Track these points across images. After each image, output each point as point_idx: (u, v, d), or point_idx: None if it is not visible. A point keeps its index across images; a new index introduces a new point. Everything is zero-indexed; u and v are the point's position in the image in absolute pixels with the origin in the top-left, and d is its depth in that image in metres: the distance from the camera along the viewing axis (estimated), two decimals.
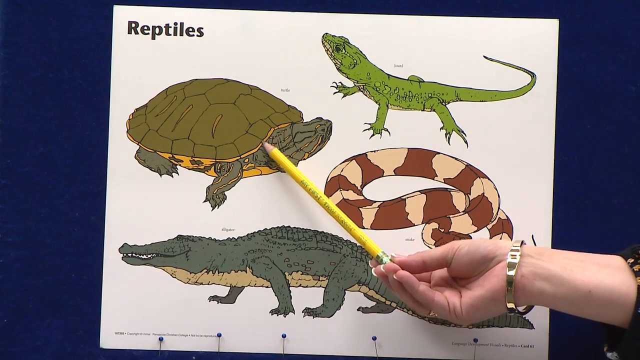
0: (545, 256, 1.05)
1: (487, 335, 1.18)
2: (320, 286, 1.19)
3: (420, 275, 1.11)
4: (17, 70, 1.19)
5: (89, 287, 1.19)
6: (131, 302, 1.19)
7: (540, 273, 1.04)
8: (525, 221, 1.19)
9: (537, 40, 1.19)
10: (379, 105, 1.20)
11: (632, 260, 1.04)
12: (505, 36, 1.19)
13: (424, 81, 1.20)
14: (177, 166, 1.20)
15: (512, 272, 1.04)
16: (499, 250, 1.07)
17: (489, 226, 1.19)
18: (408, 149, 1.20)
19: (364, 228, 1.19)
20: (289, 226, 1.19)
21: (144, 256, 1.19)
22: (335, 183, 1.20)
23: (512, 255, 1.05)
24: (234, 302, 1.19)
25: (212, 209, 1.19)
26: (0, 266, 1.18)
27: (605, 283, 1.02)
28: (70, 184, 1.19)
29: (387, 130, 1.20)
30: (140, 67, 1.20)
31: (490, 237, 1.19)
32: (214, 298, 1.19)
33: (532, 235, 1.18)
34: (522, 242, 1.07)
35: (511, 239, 1.19)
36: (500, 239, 1.19)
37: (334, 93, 1.20)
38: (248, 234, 1.20)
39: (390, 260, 1.11)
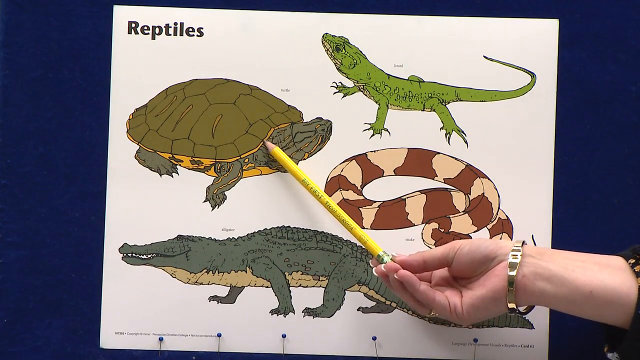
0: (546, 256, 1.06)
1: (487, 335, 1.18)
2: (320, 286, 1.19)
3: (421, 275, 1.11)
4: (17, 70, 1.19)
5: (89, 287, 1.19)
6: (131, 302, 1.19)
7: (541, 273, 1.04)
8: (525, 221, 1.19)
9: (537, 40, 1.19)
10: (379, 105, 1.20)
11: (633, 261, 1.04)
12: (505, 36, 1.19)
13: (424, 81, 1.20)
14: (177, 166, 1.20)
15: (513, 272, 1.04)
16: (500, 250, 1.07)
17: (489, 226, 1.19)
18: (408, 149, 1.20)
19: (364, 228, 1.19)
20: (289, 226, 1.19)
21: (144, 256, 1.19)
22: (335, 183, 1.20)
23: (513, 255, 1.05)
24: (234, 302, 1.19)
25: (212, 209, 1.19)
26: (0, 266, 1.18)
27: (607, 283, 1.02)
28: (70, 184, 1.19)
29: (387, 130, 1.20)
30: (140, 67, 1.20)
31: (490, 237, 1.19)
32: (214, 298, 1.19)
33: (532, 235, 1.18)
34: (523, 242, 1.07)
35: (511, 239, 1.19)
36: (500, 239, 1.19)
37: (334, 93, 1.20)
38: (248, 234, 1.20)
39: (391, 259, 1.11)
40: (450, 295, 1.09)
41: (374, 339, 1.19)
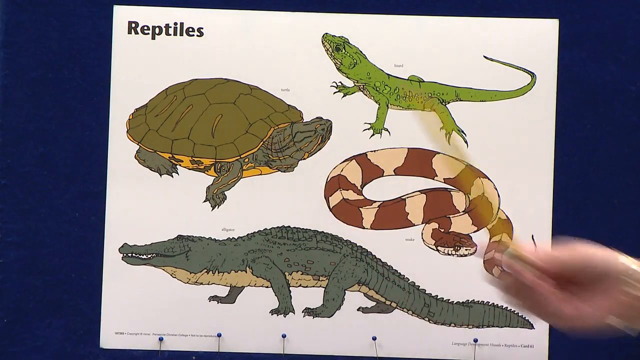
0: None
1: (487, 335, 1.18)
2: (320, 286, 1.19)
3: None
4: (17, 70, 1.19)
5: (89, 287, 1.19)
6: (131, 302, 1.19)
7: None
8: (525, 221, 1.19)
9: (537, 40, 1.19)
10: (379, 105, 1.20)
11: None
12: (505, 36, 1.19)
13: (424, 81, 1.20)
14: (177, 166, 1.20)
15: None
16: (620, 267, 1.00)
17: (489, 226, 1.19)
18: (408, 149, 1.20)
19: (364, 228, 1.19)
20: (289, 226, 1.19)
21: (144, 256, 1.19)
22: (335, 183, 1.20)
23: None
24: (234, 302, 1.19)
25: (212, 209, 1.19)
26: (0, 266, 1.18)
27: None
28: (70, 184, 1.19)
29: (387, 130, 1.20)
30: (140, 67, 1.20)
31: (490, 238, 1.19)
32: (214, 298, 1.19)
33: (532, 235, 1.18)
34: None
35: (511, 239, 1.19)
36: (500, 239, 1.19)
37: (334, 93, 1.20)
38: (248, 234, 1.20)
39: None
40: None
41: (374, 339, 1.19)
